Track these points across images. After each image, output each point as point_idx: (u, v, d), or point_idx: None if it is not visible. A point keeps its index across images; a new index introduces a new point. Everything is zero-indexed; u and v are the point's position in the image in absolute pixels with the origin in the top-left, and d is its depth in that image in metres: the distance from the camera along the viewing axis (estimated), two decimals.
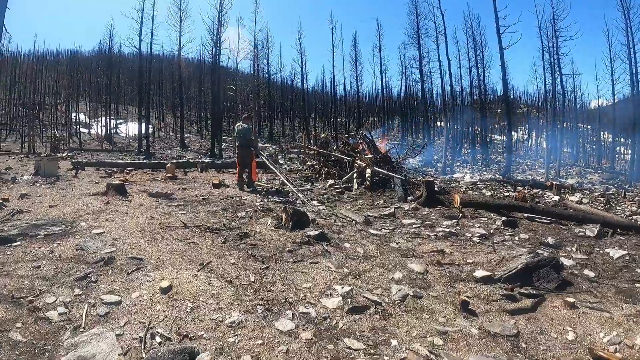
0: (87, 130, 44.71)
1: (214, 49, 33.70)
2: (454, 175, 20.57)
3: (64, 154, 25.07)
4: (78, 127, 42.62)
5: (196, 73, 53.76)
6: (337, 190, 11.18)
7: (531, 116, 65.56)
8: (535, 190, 16.01)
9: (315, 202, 9.26)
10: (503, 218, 8.56)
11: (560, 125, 36.01)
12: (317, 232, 5.94)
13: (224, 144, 38.81)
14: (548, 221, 8.85)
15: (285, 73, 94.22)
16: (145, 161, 17.17)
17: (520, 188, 16.08)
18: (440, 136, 53.78)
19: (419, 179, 14.74)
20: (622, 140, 52.32)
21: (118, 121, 48.45)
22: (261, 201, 9.07)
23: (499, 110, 63.38)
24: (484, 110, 43.76)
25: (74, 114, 46.22)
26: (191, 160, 20.63)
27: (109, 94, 42.42)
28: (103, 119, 43.89)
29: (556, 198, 13.94)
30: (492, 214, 9.17)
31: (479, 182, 16.80)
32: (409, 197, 10.64)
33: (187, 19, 40.93)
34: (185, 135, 43.82)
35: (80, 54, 60.75)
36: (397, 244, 6.19)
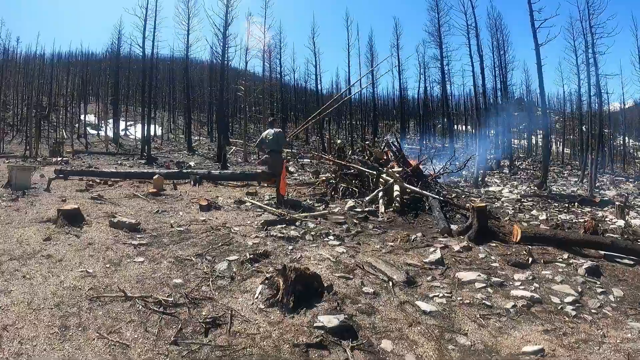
0: (96, 132, 43.05)
1: (221, 47, 31.48)
2: (490, 189, 18.03)
3: (59, 159, 23.18)
4: (85, 129, 40.89)
5: (207, 74, 51.93)
6: (360, 215, 8.77)
7: (554, 120, 62.92)
8: (586, 209, 13.52)
9: (331, 238, 6.83)
10: (584, 264, 6.17)
11: (594, 130, 33.39)
12: (336, 322, 3.50)
13: (234, 148, 36.66)
14: (632, 262, 6.64)
15: (299, 74, 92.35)
16: (133, 170, 14.99)
17: (568, 205, 13.63)
18: (457, 140, 51.21)
19: (452, 195, 12.30)
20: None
21: (128, 123, 46.79)
22: (256, 236, 6.70)
23: (516, 114, 60.75)
24: (509, 113, 41.33)
25: (82, 116, 44.73)
26: (187, 169, 18.30)
27: (117, 95, 40.47)
28: (111, 120, 42.22)
29: (621, 222, 11.40)
30: (566, 254, 6.78)
31: (522, 199, 14.30)
32: (452, 226, 8.22)
33: (195, 17, 38.90)
34: (195, 138, 42.01)
35: (94, 56, 59.74)
36: (466, 335, 3.80)
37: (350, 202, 9.70)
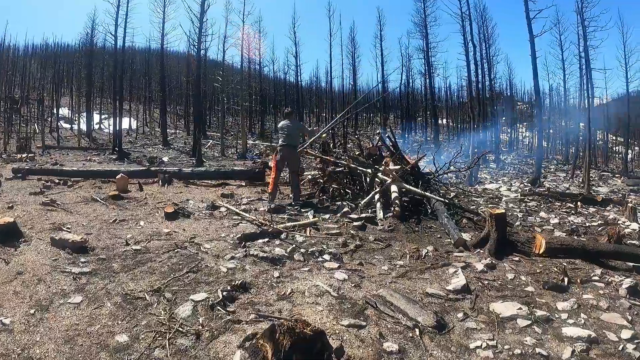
0: (69, 126, 40.99)
1: (197, 34, 29.73)
2: (486, 187, 16.92)
3: (24, 155, 21.42)
4: (57, 122, 38.75)
5: (184, 65, 50.10)
6: (356, 223, 7.47)
7: (534, 114, 62.52)
8: (591, 209, 12.48)
9: (326, 257, 5.52)
10: (622, 282, 5.22)
11: (586, 125, 32.85)
12: None
13: (211, 142, 35.13)
14: None
15: (278, 65, 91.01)
16: (96, 169, 13.36)
17: (575, 206, 12.58)
18: (439, 134, 50.31)
19: (451, 195, 11.11)
20: (620, 139, 49.62)
21: (102, 116, 44.77)
22: (232, 256, 5.33)
23: (495, 107, 60.22)
24: (493, 107, 40.67)
25: (54, 109, 42.60)
26: (158, 165, 16.75)
27: (90, 87, 38.39)
28: (85, 114, 40.18)
29: (635, 225, 10.40)
30: (598, 269, 5.78)
31: (524, 198, 13.18)
32: (464, 235, 7.03)
33: (170, 4, 37.08)
34: (171, 131, 40.33)
35: (69, 47, 57.34)
36: None
37: (344, 207, 8.39)
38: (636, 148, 47.07)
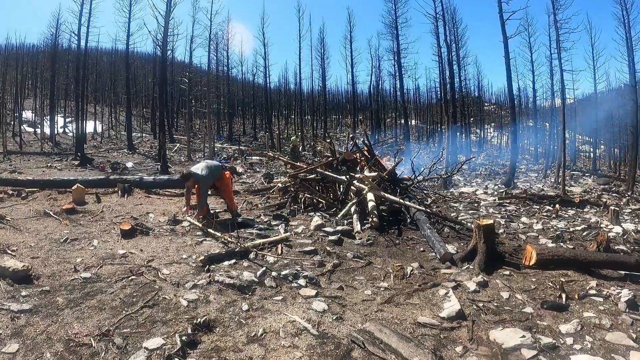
0: (33, 130, 39.37)
1: (162, 33, 28.64)
2: (462, 190, 16.55)
3: None
4: (20, 126, 37.08)
5: (150, 67, 48.77)
6: (332, 237, 6.88)
7: (502, 115, 63.31)
8: (571, 212, 12.20)
9: (301, 282, 4.88)
10: (620, 294, 4.98)
11: (555, 126, 33.00)
12: None
13: (178, 145, 34.19)
14: None
15: (247, 67, 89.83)
16: (52, 178, 12.25)
17: (557, 210, 12.31)
18: (409, 135, 50.32)
19: (429, 201, 10.66)
20: (586, 138, 50.57)
21: (67, 119, 43.18)
22: (195, 284, 4.65)
23: (466, 108, 60.75)
24: (463, 108, 40.77)
25: (16, 112, 40.86)
26: (121, 172, 15.82)
27: (53, 89, 36.80)
28: (49, 117, 38.60)
29: (618, 229, 10.15)
30: (592, 280, 5.49)
31: (503, 202, 12.82)
32: (448, 247, 6.55)
33: (137, 4, 35.92)
34: (138, 135, 39.16)
35: (35, 47, 55.33)
36: None
37: (317, 218, 7.71)
38: (602, 147, 47.86)
